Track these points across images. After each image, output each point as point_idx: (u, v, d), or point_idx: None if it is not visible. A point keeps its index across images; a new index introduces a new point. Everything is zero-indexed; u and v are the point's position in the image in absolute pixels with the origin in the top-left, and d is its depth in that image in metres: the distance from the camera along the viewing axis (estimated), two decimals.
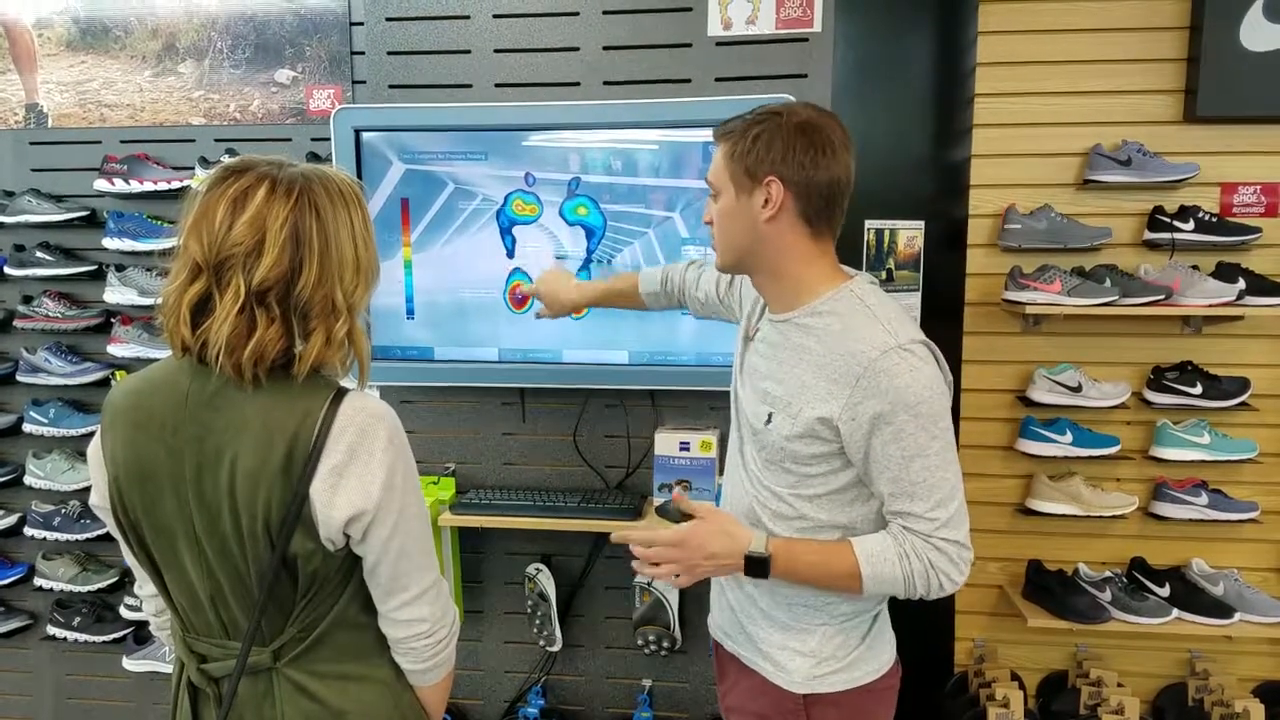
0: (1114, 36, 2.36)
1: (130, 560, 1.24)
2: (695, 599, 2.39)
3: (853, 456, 1.31)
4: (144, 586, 1.30)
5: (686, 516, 1.44)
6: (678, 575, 1.35)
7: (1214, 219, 2.34)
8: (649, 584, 2.34)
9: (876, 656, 1.45)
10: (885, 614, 1.49)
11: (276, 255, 1.07)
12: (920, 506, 1.27)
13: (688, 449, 2.28)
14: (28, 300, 2.60)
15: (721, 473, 2.27)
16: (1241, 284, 2.26)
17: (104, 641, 2.67)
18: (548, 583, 2.40)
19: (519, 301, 2.29)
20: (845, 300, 1.33)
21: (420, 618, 1.19)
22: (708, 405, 2.34)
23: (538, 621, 2.42)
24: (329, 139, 2.25)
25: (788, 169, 1.28)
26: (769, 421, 1.36)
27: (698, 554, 1.33)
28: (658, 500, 2.29)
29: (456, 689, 2.55)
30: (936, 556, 1.28)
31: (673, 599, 2.33)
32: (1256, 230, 2.33)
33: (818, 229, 1.33)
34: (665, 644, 2.35)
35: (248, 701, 1.17)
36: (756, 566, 1.32)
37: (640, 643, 2.37)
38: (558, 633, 2.42)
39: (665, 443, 2.29)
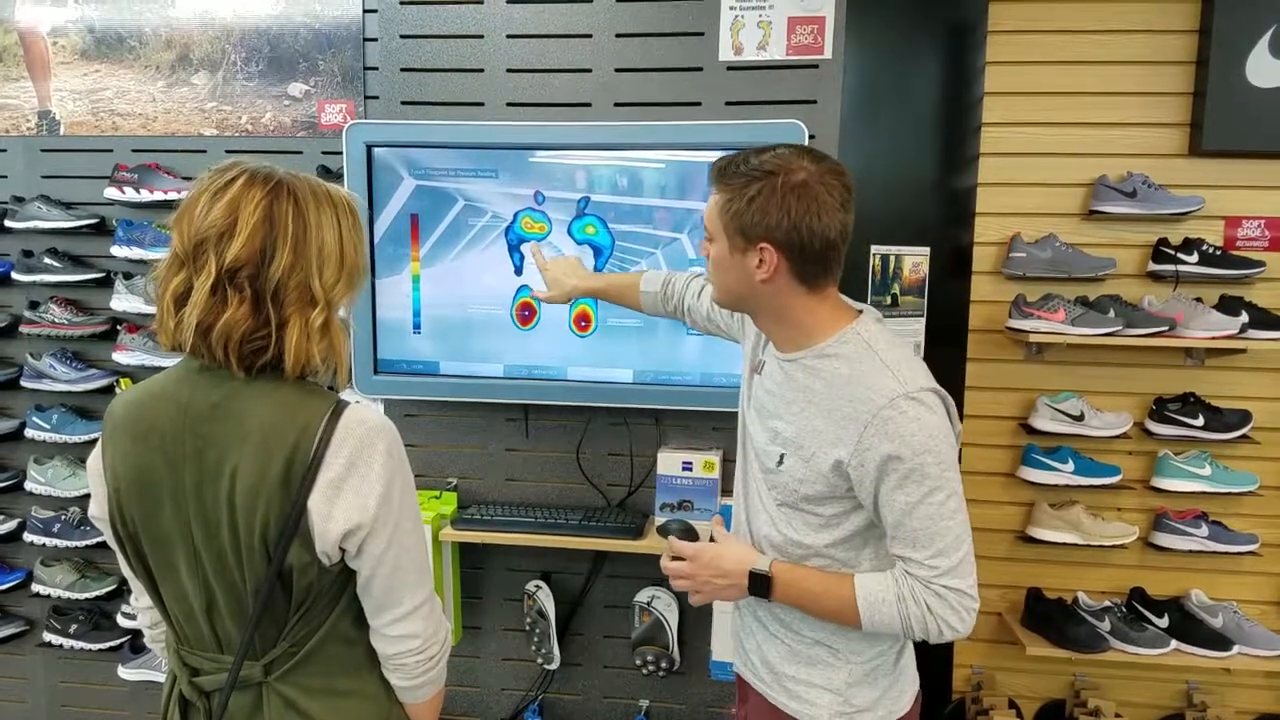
0: (1121, 69, 2.39)
1: (126, 572, 1.24)
2: (695, 621, 2.39)
3: (863, 501, 1.31)
4: (140, 599, 1.30)
5: (689, 533, 1.47)
6: (697, 591, 1.43)
7: (1218, 252, 2.36)
8: (648, 604, 2.34)
9: (900, 696, 1.45)
10: (910, 650, 1.49)
11: (248, 235, 1.09)
12: (920, 554, 1.26)
13: (690, 469, 2.28)
14: (34, 306, 2.60)
15: (724, 494, 2.30)
16: (1244, 317, 2.28)
17: (100, 649, 2.66)
18: (547, 600, 2.39)
19: (525, 318, 2.30)
20: (852, 343, 1.31)
21: (412, 634, 1.19)
22: (711, 425, 2.35)
23: (536, 639, 2.41)
24: (340, 153, 2.27)
25: (781, 234, 1.26)
26: (781, 463, 1.36)
27: (708, 570, 1.40)
28: (659, 519, 2.29)
29: (453, 705, 2.54)
30: (936, 602, 1.26)
31: (672, 620, 2.33)
32: (1260, 264, 2.35)
33: (814, 284, 1.31)
34: (664, 664, 2.34)
35: (237, 716, 1.17)
36: (759, 583, 1.37)
37: (638, 663, 2.36)
38: (556, 651, 2.41)
39: (668, 462, 2.30)
